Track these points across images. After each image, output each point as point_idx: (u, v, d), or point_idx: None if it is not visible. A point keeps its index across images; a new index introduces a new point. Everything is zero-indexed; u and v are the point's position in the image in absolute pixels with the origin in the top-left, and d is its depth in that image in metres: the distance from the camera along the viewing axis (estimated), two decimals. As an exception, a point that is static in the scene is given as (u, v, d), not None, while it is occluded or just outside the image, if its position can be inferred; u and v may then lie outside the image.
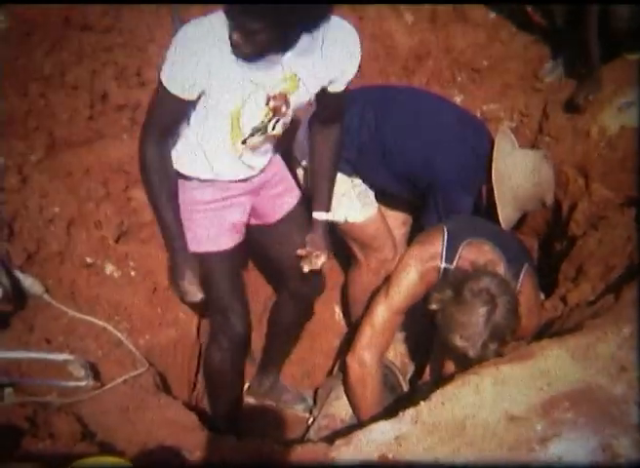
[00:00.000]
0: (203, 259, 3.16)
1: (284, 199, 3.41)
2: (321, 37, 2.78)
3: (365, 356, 3.31)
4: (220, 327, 3.34)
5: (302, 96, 2.93)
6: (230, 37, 2.60)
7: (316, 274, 3.50)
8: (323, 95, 3.01)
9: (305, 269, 3.32)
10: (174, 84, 2.74)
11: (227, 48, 2.66)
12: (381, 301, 3.29)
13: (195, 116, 2.95)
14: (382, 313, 3.28)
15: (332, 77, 2.94)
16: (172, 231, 3.05)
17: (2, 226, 3.54)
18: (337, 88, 3.01)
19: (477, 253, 3.15)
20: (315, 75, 2.88)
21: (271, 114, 2.92)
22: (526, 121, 4.60)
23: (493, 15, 5.16)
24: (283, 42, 2.66)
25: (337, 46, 2.84)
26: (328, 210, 3.33)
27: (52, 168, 3.87)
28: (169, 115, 2.88)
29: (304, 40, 2.71)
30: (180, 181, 3.11)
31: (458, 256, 3.16)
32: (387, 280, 3.36)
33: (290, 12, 2.48)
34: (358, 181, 3.77)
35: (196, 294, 3.17)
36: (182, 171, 3.10)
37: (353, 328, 3.95)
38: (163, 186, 2.97)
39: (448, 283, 2.96)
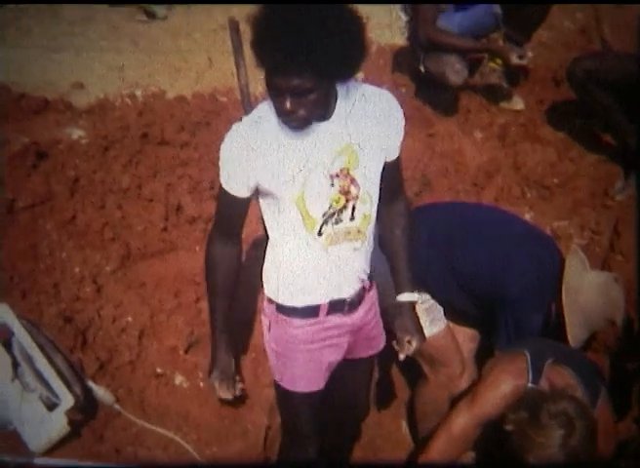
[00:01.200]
0: (292, 395, 3.06)
1: (375, 342, 3.24)
2: (353, 99, 2.66)
3: (439, 463, 3.25)
4: (292, 451, 3.31)
5: (368, 170, 2.72)
6: (280, 109, 2.48)
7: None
8: (383, 168, 2.81)
9: (401, 356, 3.13)
10: (227, 182, 2.66)
11: (276, 132, 2.57)
12: (464, 411, 3.23)
13: (269, 222, 2.81)
14: (463, 422, 3.21)
15: (382, 142, 2.74)
16: (218, 329, 2.97)
17: (76, 335, 3.60)
18: (392, 156, 2.83)
19: (557, 375, 3.10)
20: (367, 142, 2.68)
21: (342, 198, 2.70)
22: (596, 238, 4.57)
23: (562, 133, 5.21)
24: (328, 102, 2.55)
25: (371, 105, 2.71)
26: (412, 290, 3.13)
27: (126, 278, 3.95)
28: (228, 214, 2.79)
29: (340, 104, 2.61)
30: (282, 318, 2.91)
31: (543, 378, 3.12)
32: (469, 393, 3.30)
33: (334, 61, 2.36)
34: (426, 297, 3.75)
35: (226, 393, 3.08)
36: (282, 301, 2.88)
37: (421, 442, 3.89)
38: (222, 284, 2.88)
39: (524, 403, 2.92)
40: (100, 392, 3.47)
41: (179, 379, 3.79)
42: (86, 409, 3.37)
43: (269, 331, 2.94)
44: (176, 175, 4.37)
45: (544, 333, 3.67)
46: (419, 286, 3.57)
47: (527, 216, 4.65)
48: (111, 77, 4.89)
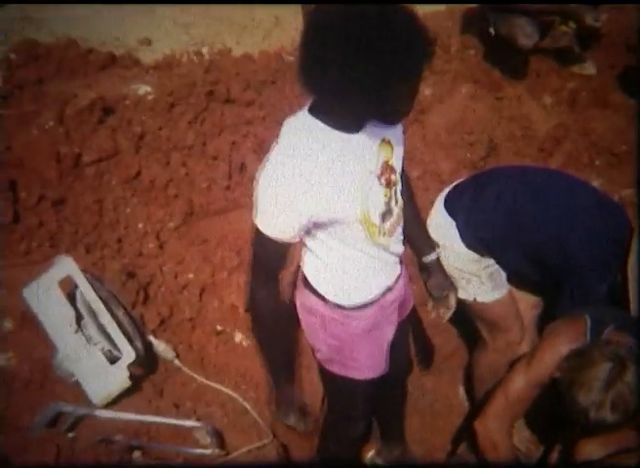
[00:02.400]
0: (358, 384, 3.04)
1: (408, 302, 3.22)
2: None
3: (495, 425, 3.22)
4: (344, 429, 3.33)
5: (397, 150, 2.68)
6: (403, 110, 2.45)
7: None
8: None
9: (444, 315, 3.24)
10: (273, 227, 2.43)
11: (325, 155, 2.38)
12: (521, 372, 3.20)
13: (318, 242, 2.66)
14: (520, 384, 3.18)
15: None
16: (278, 370, 2.93)
17: (138, 290, 3.63)
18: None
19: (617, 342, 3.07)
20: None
21: (389, 190, 2.66)
22: (668, 208, 4.50)
23: (633, 100, 5.11)
24: None
25: None
26: (434, 248, 3.25)
27: (188, 235, 3.98)
28: (273, 259, 2.56)
29: None
30: (342, 314, 2.83)
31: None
32: (527, 355, 3.27)
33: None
34: (490, 261, 3.72)
35: (300, 427, 3.02)
36: (346, 302, 2.81)
37: (477, 405, 3.87)
38: (273, 327, 2.74)
39: (575, 351, 2.89)
40: (161, 347, 3.51)
41: (238, 337, 3.82)
42: (146, 364, 3.40)
43: (324, 328, 2.88)
44: (240, 134, 4.36)
45: (609, 303, 3.62)
46: (483, 249, 3.55)
47: (595, 184, 4.58)
48: (178, 34, 4.90)
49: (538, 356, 3.18)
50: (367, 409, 3.25)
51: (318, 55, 2.24)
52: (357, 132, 2.45)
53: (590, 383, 2.76)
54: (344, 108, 2.37)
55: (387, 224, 2.70)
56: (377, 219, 2.63)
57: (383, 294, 2.87)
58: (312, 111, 2.42)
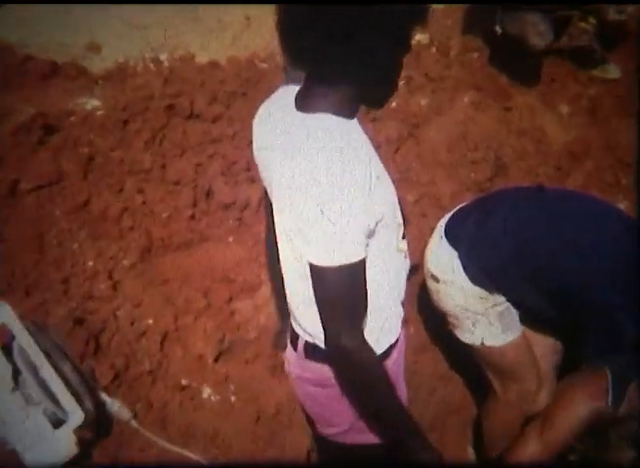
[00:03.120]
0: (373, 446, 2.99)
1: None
2: None
3: None
4: None
5: None
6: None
7: None
8: None
9: None
10: (339, 255, 2.27)
11: (361, 144, 2.39)
12: (533, 436, 3.20)
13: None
14: (532, 449, 3.19)
15: None
16: (406, 423, 2.74)
17: (88, 340, 3.61)
18: None
19: None
20: None
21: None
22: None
23: (662, 110, 5.14)
24: None
25: None
26: None
27: (146, 274, 3.96)
28: (360, 292, 2.43)
29: None
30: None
31: (626, 401, 3.08)
32: (542, 416, 3.27)
33: None
34: (500, 299, 3.71)
35: None
36: (385, 344, 2.76)
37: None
38: (388, 381, 2.59)
39: (591, 431, 2.89)
40: (115, 406, 3.48)
41: (206, 392, 3.80)
42: (98, 427, 3.38)
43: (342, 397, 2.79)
44: (206, 155, 4.37)
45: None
46: (490, 284, 3.55)
47: (621, 206, 4.59)
48: (133, 38, 4.89)
49: (552, 418, 3.18)
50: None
51: (315, 26, 2.25)
52: (354, 117, 2.46)
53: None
54: (348, 87, 2.39)
55: (403, 244, 2.71)
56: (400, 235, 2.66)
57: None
58: (317, 105, 2.41)
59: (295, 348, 2.85)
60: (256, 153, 2.68)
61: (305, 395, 2.98)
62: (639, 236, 3.65)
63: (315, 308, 2.42)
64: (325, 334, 2.43)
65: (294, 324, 2.81)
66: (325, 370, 2.74)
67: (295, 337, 2.84)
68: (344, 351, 2.39)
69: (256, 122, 2.69)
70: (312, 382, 2.87)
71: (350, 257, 2.27)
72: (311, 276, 2.34)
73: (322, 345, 2.60)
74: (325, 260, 2.27)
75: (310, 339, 2.72)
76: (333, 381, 2.74)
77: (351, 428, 2.93)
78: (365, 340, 2.45)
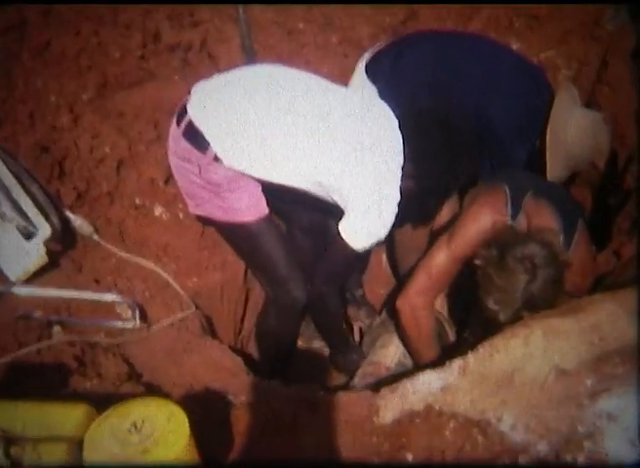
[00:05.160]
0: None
1: None
2: None
3: (418, 301, 3.27)
4: (278, 296, 3.38)
5: None
6: None
7: None
8: None
9: None
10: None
11: None
12: (442, 248, 3.23)
13: None
14: (442, 259, 3.22)
15: None
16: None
17: (53, 165, 3.55)
18: None
19: (536, 210, 3.10)
20: None
21: None
22: (584, 70, 4.48)
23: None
24: None
25: None
26: None
27: (103, 108, 3.87)
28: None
29: None
30: None
31: (522, 213, 3.11)
32: (449, 227, 3.31)
33: None
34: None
35: None
36: None
37: (401, 276, 3.91)
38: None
39: (496, 242, 2.92)
40: (78, 222, 3.46)
41: (158, 210, 3.79)
42: (64, 240, 3.36)
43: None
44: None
45: (527, 169, 3.65)
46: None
47: (514, 47, 4.54)
48: None
49: (459, 231, 3.21)
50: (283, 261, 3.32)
51: None
52: None
53: (503, 294, 2.83)
54: None
55: None
56: None
57: None
58: None
59: (177, 124, 3.05)
60: None
61: (175, 167, 3.18)
62: (528, 76, 3.67)
63: None
64: None
65: None
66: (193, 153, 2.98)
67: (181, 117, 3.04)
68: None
69: None
70: (180, 157, 3.07)
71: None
72: None
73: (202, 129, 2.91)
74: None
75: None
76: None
77: (208, 202, 3.11)
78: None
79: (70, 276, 3.28)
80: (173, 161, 3.15)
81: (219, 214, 3.12)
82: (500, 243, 2.88)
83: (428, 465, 2.36)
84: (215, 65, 4.16)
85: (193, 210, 3.22)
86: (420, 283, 3.27)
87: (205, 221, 3.46)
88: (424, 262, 3.29)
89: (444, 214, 3.75)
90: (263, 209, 3.14)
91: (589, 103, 4.20)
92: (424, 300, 3.29)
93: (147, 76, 4.06)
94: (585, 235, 3.19)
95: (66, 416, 2.24)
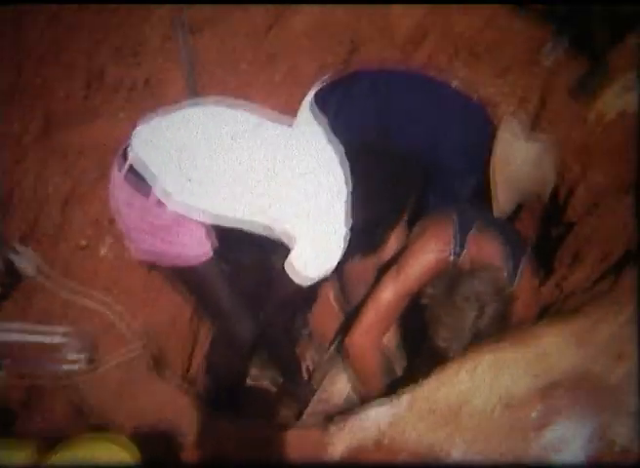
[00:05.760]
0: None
1: None
2: None
3: (366, 339, 3.25)
4: (224, 330, 3.36)
5: None
6: None
7: None
8: None
9: None
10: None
11: None
12: (390, 284, 3.21)
13: None
14: (390, 296, 3.20)
15: None
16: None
17: (-4, 206, 3.52)
18: None
19: (481, 244, 3.12)
20: None
21: None
22: (524, 105, 4.54)
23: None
24: None
25: None
26: None
27: (47, 147, 3.84)
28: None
29: None
30: None
31: (466, 249, 3.12)
32: (397, 260, 3.30)
33: None
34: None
35: None
36: None
37: (350, 310, 3.90)
38: None
39: (441, 280, 2.94)
40: (23, 262, 3.41)
41: (104, 250, 3.75)
42: (8, 282, 3.31)
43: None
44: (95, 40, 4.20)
45: (471, 203, 3.68)
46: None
47: (454, 84, 4.59)
48: None
49: (404, 268, 3.20)
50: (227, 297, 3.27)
51: None
52: None
53: (451, 332, 2.85)
54: None
55: None
56: None
57: None
58: None
59: (119, 169, 3.00)
60: None
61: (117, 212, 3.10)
62: (470, 113, 3.71)
63: None
64: None
65: None
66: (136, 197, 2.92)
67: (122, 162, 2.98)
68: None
69: None
70: (123, 202, 3.02)
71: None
72: None
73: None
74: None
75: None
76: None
77: (152, 246, 3.04)
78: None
79: (15, 317, 3.23)
80: (114, 206, 3.09)
81: (163, 258, 3.08)
82: (446, 281, 2.89)
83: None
84: (158, 104, 4.15)
85: (136, 254, 3.17)
86: (367, 320, 3.26)
87: (149, 265, 3.42)
88: (372, 299, 3.27)
89: (392, 244, 3.76)
90: (208, 250, 3.11)
91: (530, 136, 4.24)
92: (372, 338, 3.27)
93: (92, 115, 4.03)
94: (530, 268, 3.22)
95: (11, 457, 2.20)
